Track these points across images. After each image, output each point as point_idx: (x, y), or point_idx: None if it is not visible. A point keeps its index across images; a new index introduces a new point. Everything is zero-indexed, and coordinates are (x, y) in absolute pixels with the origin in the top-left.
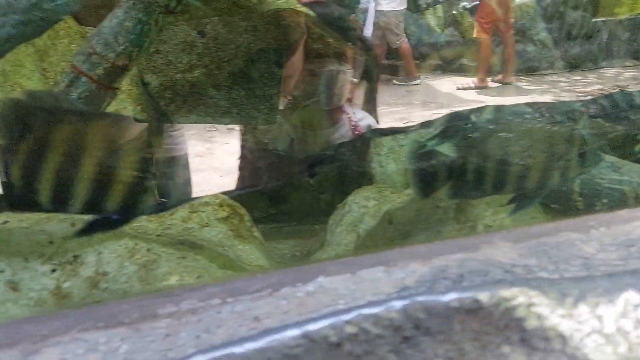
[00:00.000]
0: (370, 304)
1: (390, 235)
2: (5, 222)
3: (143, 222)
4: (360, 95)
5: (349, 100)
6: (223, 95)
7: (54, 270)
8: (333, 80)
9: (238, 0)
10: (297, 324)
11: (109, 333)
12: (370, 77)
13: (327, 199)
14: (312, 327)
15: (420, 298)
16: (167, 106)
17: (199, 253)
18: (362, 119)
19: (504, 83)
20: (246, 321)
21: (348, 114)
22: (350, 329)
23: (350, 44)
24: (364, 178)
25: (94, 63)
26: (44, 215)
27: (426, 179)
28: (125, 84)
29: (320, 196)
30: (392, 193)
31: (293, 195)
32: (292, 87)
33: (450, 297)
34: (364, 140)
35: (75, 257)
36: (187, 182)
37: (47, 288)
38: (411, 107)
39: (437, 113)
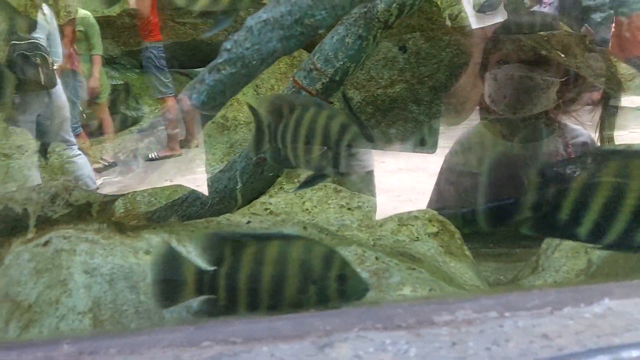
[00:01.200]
0: None
1: (635, 265)
2: (249, 222)
3: (354, 232)
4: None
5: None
6: (423, 110)
7: None
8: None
9: (432, 16)
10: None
11: (391, 335)
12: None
13: (528, 222)
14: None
15: None
16: (368, 121)
17: (420, 266)
18: (577, 135)
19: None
20: (535, 338)
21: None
22: None
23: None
24: None
25: (313, 78)
26: (279, 218)
27: None
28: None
29: None
30: None
31: None
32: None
33: None
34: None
35: None
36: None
37: None
38: None
39: None
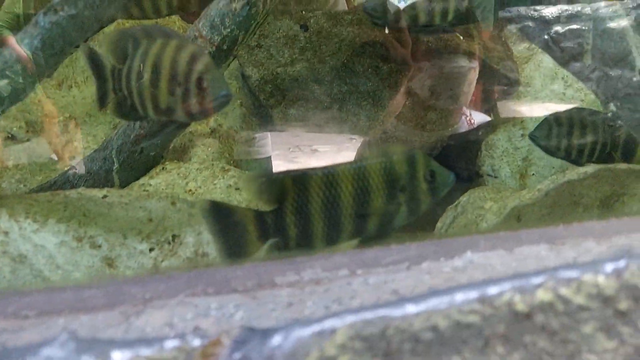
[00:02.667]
0: (568, 266)
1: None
2: (105, 196)
3: None
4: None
5: (472, 100)
6: (324, 90)
7: (151, 249)
8: (463, 78)
9: None
10: (473, 286)
11: (221, 299)
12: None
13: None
14: (492, 290)
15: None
16: (267, 100)
17: None
18: (479, 121)
19: None
20: (384, 294)
21: (467, 115)
22: (543, 296)
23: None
24: (473, 181)
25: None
26: (144, 192)
27: None
28: (224, 76)
29: None
30: (514, 192)
31: None
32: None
33: None
34: (477, 139)
35: (174, 236)
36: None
37: (144, 267)
38: None
39: None
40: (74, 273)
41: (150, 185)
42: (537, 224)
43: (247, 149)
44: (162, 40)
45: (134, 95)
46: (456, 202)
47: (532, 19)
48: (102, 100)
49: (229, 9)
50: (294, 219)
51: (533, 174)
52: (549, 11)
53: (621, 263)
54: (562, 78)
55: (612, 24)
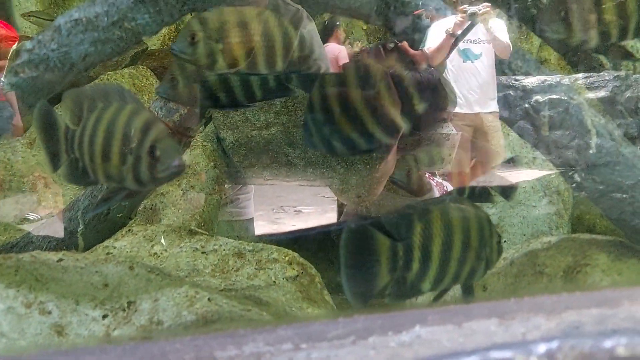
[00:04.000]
0: (501, 346)
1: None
2: (61, 259)
3: (207, 277)
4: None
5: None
6: (298, 153)
7: (105, 316)
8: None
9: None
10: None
11: None
12: None
13: None
14: None
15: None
16: (241, 162)
17: (266, 310)
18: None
19: None
20: None
21: (441, 182)
22: None
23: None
24: None
25: (170, 109)
26: (102, 255)
27: None
28: (199, 139)
29: None
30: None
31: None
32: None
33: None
34: None
35: (130, 303)
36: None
37: (94, 335)
38: None
39: None
40: (19, 341)
41: (115, 247)
42: (502, 294)
43: (229, 210)
44: (117, 105)
45: (86, 160)
46: None
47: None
48: (54, 162)
49: None
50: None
51: (505, 241)
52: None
53: (554, 344)
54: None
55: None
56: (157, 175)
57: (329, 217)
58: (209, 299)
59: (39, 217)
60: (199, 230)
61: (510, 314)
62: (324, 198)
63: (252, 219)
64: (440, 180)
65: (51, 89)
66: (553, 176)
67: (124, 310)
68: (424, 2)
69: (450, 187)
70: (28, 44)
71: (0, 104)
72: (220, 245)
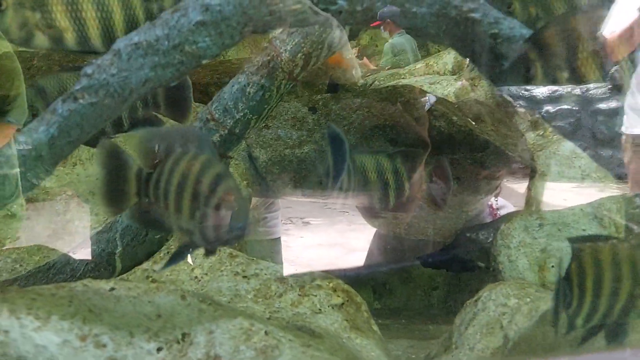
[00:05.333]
0: None
1: (553, 341)
2: (112, 288)
3: (249, 303)
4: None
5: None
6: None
7: (159, 349)
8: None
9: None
10: None
11: None
12: None
13: (440, 295)
14: None
15: None
16: (274, 182)
17: (320, 343)
18: (502, 206)
19: None
20: None
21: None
22: None
23: None
24: (487, 273)
25: (210, 130)
26: (153, 284)
27: None
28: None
29: (433, 292)
30: (537, 291)
31: (400, 289)
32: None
33: None
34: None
35: (184, 335)
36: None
37: None
38: None
39: None
40: None
41: (155, 271)
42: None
43: (256, 230)
44: (193, 153)
45: (160, 206)
46: (475, 297)
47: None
48: (117, 203)
49: (243, 93)
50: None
51: (552, 266)
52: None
53: None
54: (579, 167)
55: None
56: (221, 235)
57: (339, 228)
58: (265, 332)
59: None
60: (239, 252)
61: None
62: (332, 210)
63: (279, 238)
64: (500, 203)
65: (110, 115)
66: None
67: (178, 342)
68: (499, 24)
69: (506, 209)
70: (88, 69)
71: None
72: (262, 269)
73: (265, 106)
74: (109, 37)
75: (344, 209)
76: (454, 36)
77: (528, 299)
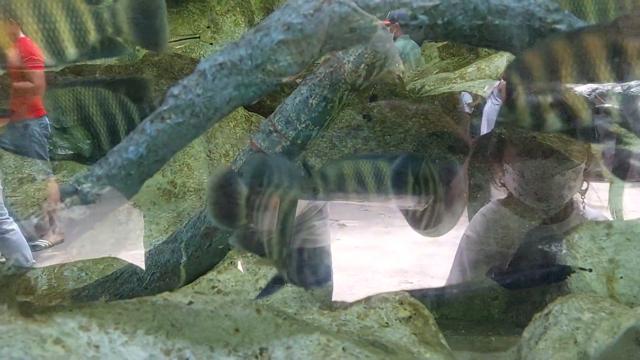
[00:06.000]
0: None
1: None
2: (191, 302)
3: (315, 315)
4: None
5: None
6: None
7: None
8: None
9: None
10: None
11: None
12: None
13: (501, 305)
14: None
15: None
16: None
17: (394, 359)
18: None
19: None
20: None
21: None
22: None
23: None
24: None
25: (273, 141)
26: (228, 298)
27: None
28: None
29: (493, 302)
30: (613, 305)
31: (458, 299)
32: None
33: None
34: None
35: (262, 349)
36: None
37: None
38: None
39: None
40: None
41: (219, 281)
42: None
43: (303, 237)
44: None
45: (263, 232)
46: (545, 311)
47: None
48: (231, 221)
49: (306, 104)
50: None
51: (621, 277)
52: None
53: None
54: None
55: None
56: (309, 278)
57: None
58: (343, 349)
59: (49, 243)
60: None
61: None
62: (368, 212)
63: (329, 245)
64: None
65: (194, 135)
66: None
67: (256, 357)
68: None
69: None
70: (174, 90)
71: None
72: None
73: (327, 117)
74: None
75: (380, 212)
76: None
77: (603, 314)
